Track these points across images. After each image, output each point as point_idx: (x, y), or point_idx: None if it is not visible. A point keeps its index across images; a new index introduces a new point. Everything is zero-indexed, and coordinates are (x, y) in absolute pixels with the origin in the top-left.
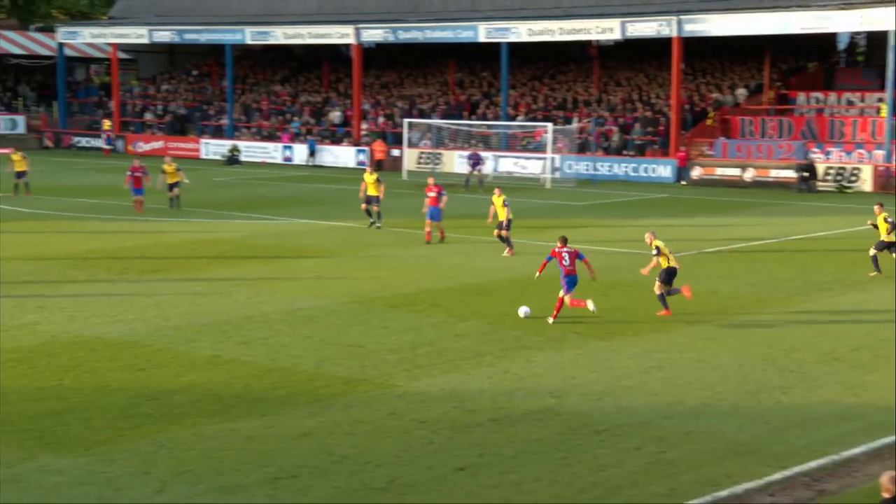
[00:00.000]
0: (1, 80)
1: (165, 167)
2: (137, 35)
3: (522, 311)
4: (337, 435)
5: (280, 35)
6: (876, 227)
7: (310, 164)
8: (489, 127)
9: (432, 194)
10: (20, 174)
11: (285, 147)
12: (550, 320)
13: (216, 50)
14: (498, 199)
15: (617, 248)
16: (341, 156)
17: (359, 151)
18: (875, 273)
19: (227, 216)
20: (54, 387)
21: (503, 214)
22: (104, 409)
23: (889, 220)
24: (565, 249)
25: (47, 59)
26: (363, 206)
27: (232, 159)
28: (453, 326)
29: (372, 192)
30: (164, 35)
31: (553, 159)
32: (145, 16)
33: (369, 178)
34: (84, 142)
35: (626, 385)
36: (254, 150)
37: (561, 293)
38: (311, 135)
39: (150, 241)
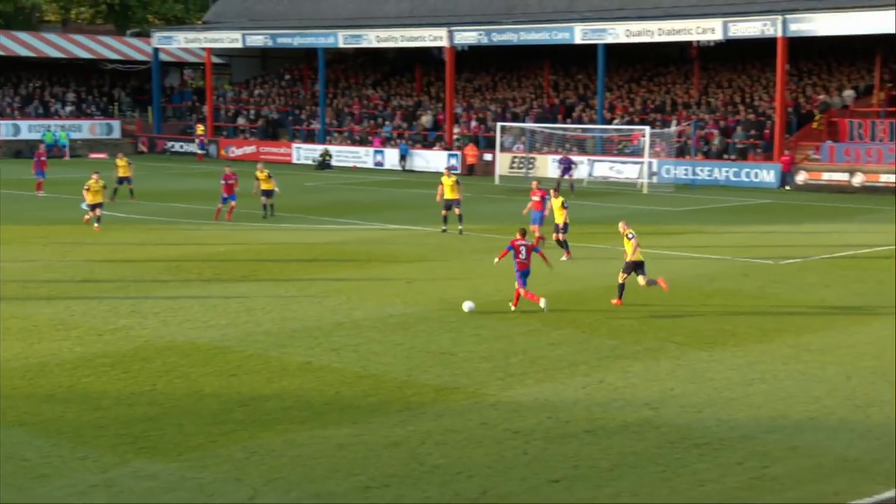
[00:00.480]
0: (97, 84)
1: (258, 174)
2: (231, 39)
3: (467, 305)
4: (428, 444)
5: (373, 38)
6: None
7: (401, 168)
8: (584, 130)
9: (536, 198)
10: (123, 179)
11: (376, 151)
12: (512, 308)
13: (308, 54)
14: (556, 200)
15: (717, 256)
16: (433, 160)
17: (450, 156)
18: None
19: (319, 221)
20: (147, 392)
21: (561, 217)
22: (196, 414)
23: None
24: (522, 242)
25: (142, 64)
26: (443, 211)
27: (323, 164)
28: (546, 335)
29: (450, 195)
30: (258, 39)
31: (650, 164)
32: (239, 20)
33: (447, 180)
34: (178, 146)
35: (727, 397)
36: (345, 155)
37: (517, 286)
38: (403, 139)
39: (241, 246)
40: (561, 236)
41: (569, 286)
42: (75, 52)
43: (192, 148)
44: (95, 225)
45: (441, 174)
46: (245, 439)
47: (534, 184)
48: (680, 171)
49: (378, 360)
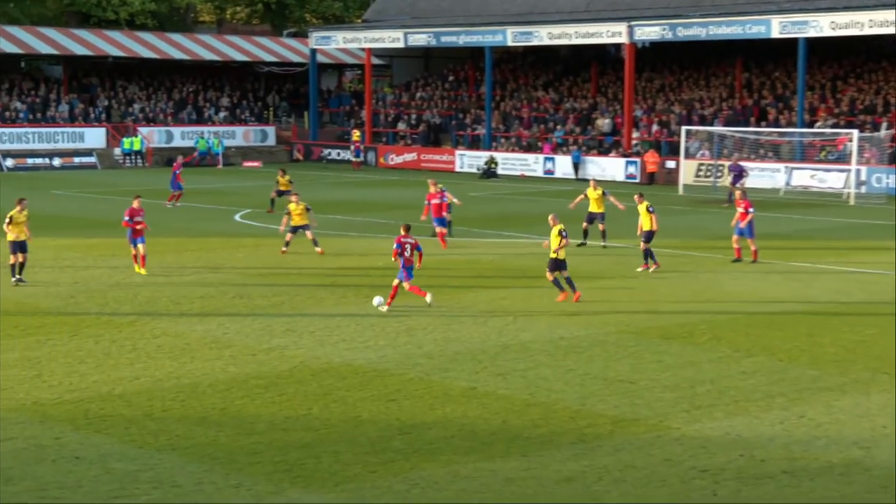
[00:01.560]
0: (252, 88)
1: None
2: (392, 39)
3: (376, 300)
4: (605, 481)
5: (544, 35)
6: None
7: (573, 177)
8: (781, 135)
9: (741, 209)
10: (283, 193)
11: (546, 158)
12: (385, 308)
13: (474, 53)
14: (641, 205)
15: None
16: (609, 168)
17: (628, 163)
18: None
19: (483, 234)
20: (303, 416)
21: (648, 223)
22: (354, 441)
23: None
24: (408, 240)
25: (299, 67)
26: (584, 224)
27: (488, 172)
28: (738, 362)
29: (595, 208)
30: (421, 38)
31: (858, 171)
32: (400, 18)
33: (593, 193)
34: (334, 154)
35: None
36: (512, 162)
37: (396, 281)
38: (576, 145)
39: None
40: (643, 245)
41: (764, 308)
42: (230, 55)
43: (349, 155)
44: (318, 249)
45: (587, 185)
46: (406, 470)
47: (737, 193)
48: (892, 179)
49: (548, 386)
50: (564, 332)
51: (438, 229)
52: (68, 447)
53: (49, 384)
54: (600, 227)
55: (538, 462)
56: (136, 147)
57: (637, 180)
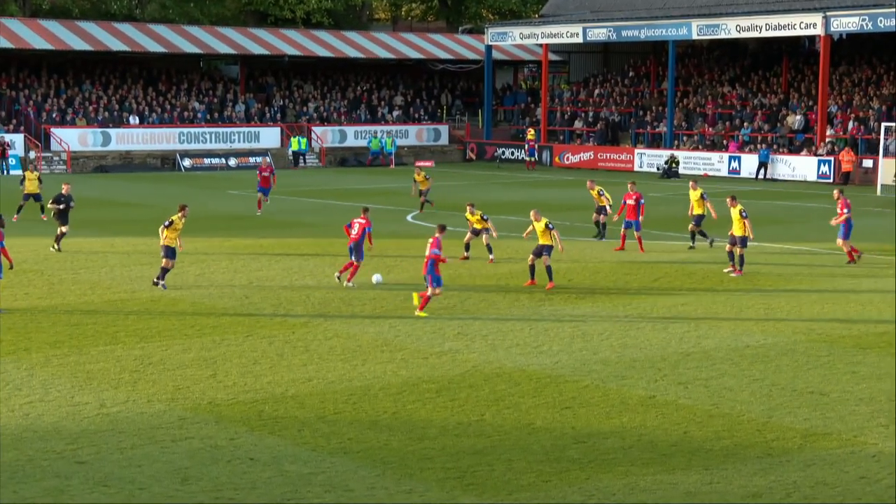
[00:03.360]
0: (426, 87)
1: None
2: (571, 34)
3: (375, 278)
4: (794, 498)
5: (732, 28)
6: None
7: (760, 176)
8: None
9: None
10: (422, 192)
11: (731, 157)
12: (347, 283)
13: (656, 48)
14: (694, 192)
15: None
16: (799, 167)
17: (821, 162)
18: None
19: (663, 237)
20: (475, 422)
21: (700, 208)
22: (527, 449)
23: None
24: (358, 220)
25: (473, 64)
26: (690, 226)
27: (669, 171)
28: None
29: (698, 210)
30: (600, 33)
31: None
32: (579, 12)
33: (694, 194)
34: (508, 153)
35: None
36: (694, 161)
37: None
38: (764, 143)
39: (576, 264)
40: (695, 228)
41: None
42: (405, 52)
43: (523, 155)
44: (490, 257)
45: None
46: (581, 480)
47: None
48: None
49: (733, 397)
50: (750, 340)
51: (624, 230)
52: (243, 448)
53: (224, 384)
54: (693, 227)
55: (721, 476)
56: (302, 147)
57: (831, 180)
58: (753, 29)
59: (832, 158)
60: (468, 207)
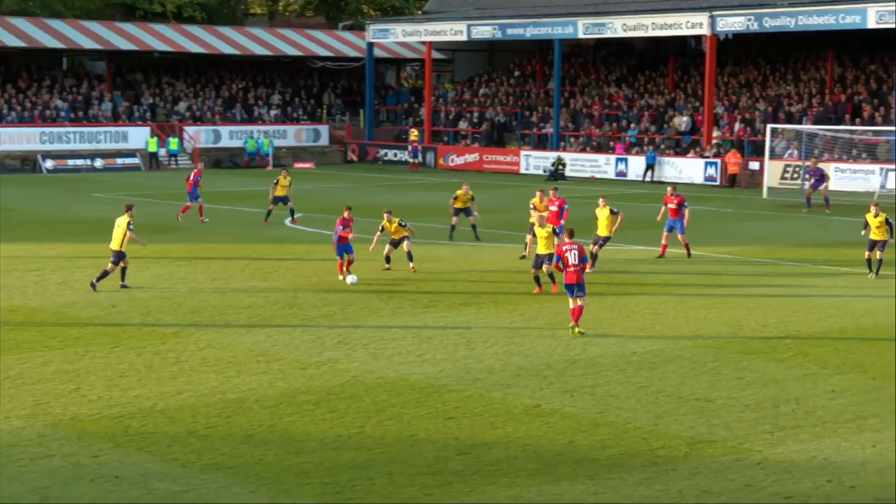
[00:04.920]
0: (305, 85)
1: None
2: (455, 31)
3: (350, 279)
4: None
5: (618, 27)
6: None
7: (647, 179)
8: (876, 134)
9: (672, 206)
10: (279, 199)
11: (618, 159)
12: (343, 277)
13: (542, 47)
14: (602, 210)
15: None
16: (686, 169)
17: (708, 164)
18: None
19: None
20: (355, 435)
21: (605, 228)
22: (409, 462)
23: None
24: (344, 217)
25: (355, 62)
26: (593, 248)
27: (556, 174)
28: (826, 380)
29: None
30: (485, 31)
31: None
32: (464, 9)
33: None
34: (391, 154)
35: None
36: (581, 163)
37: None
38: (651, 145)
39: (460, 269)
40: (595, 249)
41: (856, 322)
42: (283, 49)
43: (406, 156)
44: (411, 265)
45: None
46: (464, 493)
47: (669, 189)
48: None
49: (619, 404)
50: (636, 347)
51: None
52: (108, 466)
53: (88, 398)
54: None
55: (607, 486)
56: (174, 147)
57: (717, 182)
58: (640, 28)
59: (719, 161)
60: (385, 215)
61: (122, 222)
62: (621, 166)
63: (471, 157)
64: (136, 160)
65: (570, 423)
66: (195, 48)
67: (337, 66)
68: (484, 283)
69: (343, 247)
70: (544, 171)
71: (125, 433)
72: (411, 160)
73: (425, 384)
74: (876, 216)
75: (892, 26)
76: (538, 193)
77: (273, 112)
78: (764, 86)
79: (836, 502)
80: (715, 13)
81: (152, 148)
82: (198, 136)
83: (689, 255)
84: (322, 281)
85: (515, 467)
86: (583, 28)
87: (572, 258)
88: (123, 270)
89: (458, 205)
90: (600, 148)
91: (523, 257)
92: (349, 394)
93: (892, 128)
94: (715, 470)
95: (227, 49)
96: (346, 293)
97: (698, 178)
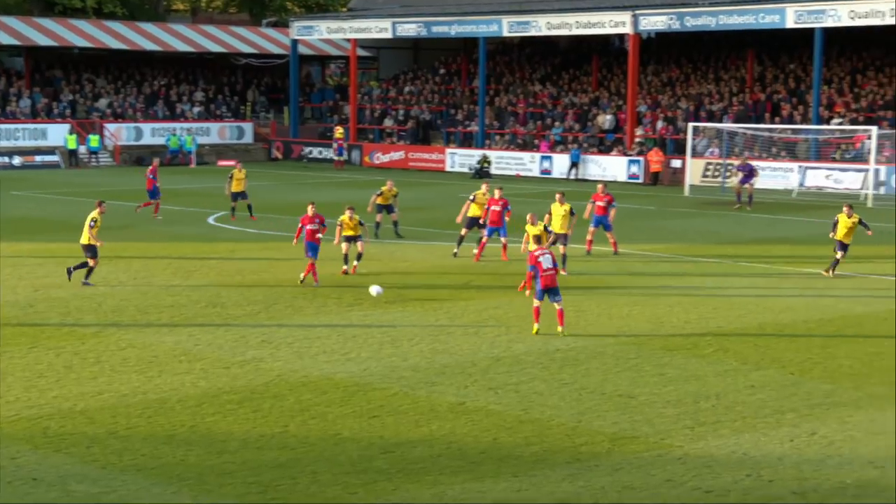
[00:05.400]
0: (228, 82)
1: (384, 189)
2: (380, 29)
3: (374, 290)
4: (602, 502)
5: (542, 25)
6: None
7: (572, 177)
8: (795, 132)
9: (601, 203)
10: (238, 195)
11: (543, 157)
12: (306, 279)
13: (467, 44)
14: (562, 207)
15: None
16: (609, 167)
17: (631, 162)
18: None
19: (472, 239)
20: (279, 434)
21: (561, 226)
22: (333, 461)
23: None
24: (310, 216)
25: (279, 59)
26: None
27: (481, 172)
28: (745, 375)
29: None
30: (410, 28)
31: (877, 171)
32: (388, 7)
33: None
34: (316, 152)
35: None
36: (506, 161)
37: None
38: (575, 143)
39: (385, 268)
40: (562, 249)
41: (775, 318)
42: (206, 46)
43: (332, 154)
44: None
45: (554, 200)
46: (388, 491)
47: (599, 187)
48: None
49: (543, 401)
50: (560, 344)
51: (486, 237)
52: (25, 468)
53: (5, 400)
54: (561, 249)
55: (530, 483)
56: (94, 145)
57: (640, 180)
58: (564, 27)
59: (642, 159)
60: (348, 212)
61: (89, 217)
62: (546, 164)
63: (396, 155)
64: (55, 158)
65: (494, 421)
66: (116, 44)
67: (261, 63)
68: (410, 281)
69: (313, 246)
70: (470, 168)
71: (44, 435)
72: (336, 158)
73: (350, 383)
74: (850, 217)
75: (811, 26)
76: (484, 185)
77: (196, 109)
78: (686, 84)
79: (755, 496)
80: (637, 12)
81: (72, 145)
82: (119, 133)
83: (616, 252)
84: (246, 279)
85: (440, 465)
86: (507, 26)
87: (546, 263)
88: (82, 266)
89: (381, 201)
90: (525, 146)
91: (455, 254)
92: (273, 393)
93: (811, 126)
94: (637, 465)
95: (148, 45)
96: (270, 290)
97: (622, 176)
